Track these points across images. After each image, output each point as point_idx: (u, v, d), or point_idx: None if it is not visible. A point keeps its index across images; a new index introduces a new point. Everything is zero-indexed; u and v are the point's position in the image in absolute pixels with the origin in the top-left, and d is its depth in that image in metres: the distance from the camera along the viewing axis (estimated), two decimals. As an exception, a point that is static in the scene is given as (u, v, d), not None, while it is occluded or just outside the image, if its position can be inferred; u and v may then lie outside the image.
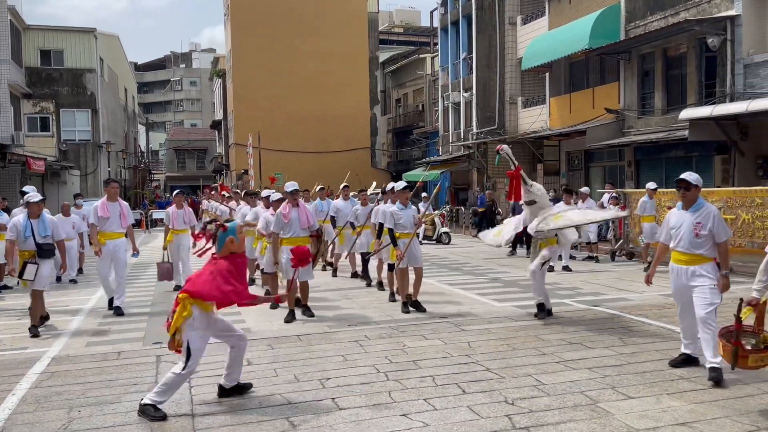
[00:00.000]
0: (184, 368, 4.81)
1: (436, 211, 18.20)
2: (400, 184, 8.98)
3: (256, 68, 39.49)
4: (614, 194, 15.38)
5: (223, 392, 5.20)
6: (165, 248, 10.82)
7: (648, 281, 6.08)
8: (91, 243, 9.83)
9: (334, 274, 12.39)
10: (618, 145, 19.29)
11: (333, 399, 5.09)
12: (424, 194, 22.95)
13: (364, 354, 6.44)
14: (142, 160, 55.52)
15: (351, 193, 12.29)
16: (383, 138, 45.63)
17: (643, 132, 18.53)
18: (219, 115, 52.87)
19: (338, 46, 40.35)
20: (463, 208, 26.80)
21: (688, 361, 5.71)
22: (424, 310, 8.55)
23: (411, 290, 8.77)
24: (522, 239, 15.53)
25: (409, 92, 42.71)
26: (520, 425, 4.45)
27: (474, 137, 27.80)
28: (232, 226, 5.02)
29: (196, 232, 8.81)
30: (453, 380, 5.50)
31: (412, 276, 8.78)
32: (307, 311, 8.44)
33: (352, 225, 11.49)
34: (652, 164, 19.09)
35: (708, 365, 5.31)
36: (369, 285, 11.05)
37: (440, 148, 33.24)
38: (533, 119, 24.48)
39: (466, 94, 29.10)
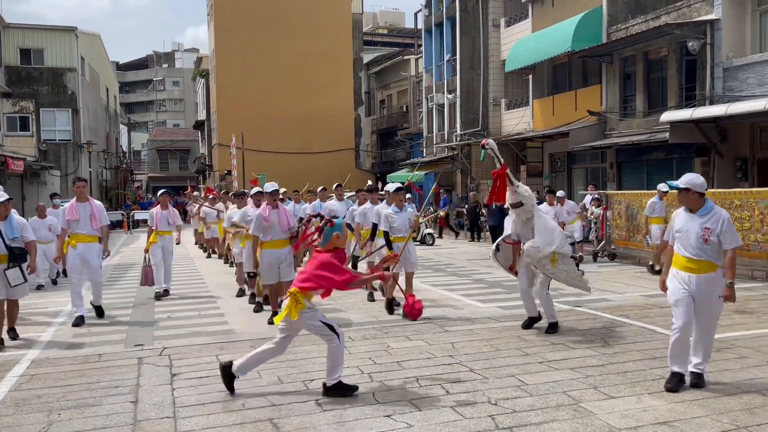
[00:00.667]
0: (336, 338, 5.15)
1: (434, 213, 17.68)
2: (392, 186, 8.67)
3: (239, 68, 39.29)
4: (596, 195, 15.53)
5: (326, 391, 5.20)
6: (147, 250, 10.37)
7: (662, 287, 5.37)
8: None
9: None
10: (600, 147, 19.48)
11: (316, 400, 5.08)
12: (408, 195, 22.95)
13: (348, 355, 6.41)
14: (124, 161, 55.00)
15: (348, 194, 12.23)
16: (367, 139, 45.63)
17: (624, 134, 18.73)
18: (202, 116, 52.53)
19: (322, 47, 40.27)
20: (425, 207, 26.91)
21: (680, 377, 5.19)
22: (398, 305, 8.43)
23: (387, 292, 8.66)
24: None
25: (393, 93, 42.75)
26: (504, 425, 4.47)
27: (458, 139, 27.90)
28: (339, 223, 5.36)
29: (294, 230, 8.24)
30: (437, 381, 5.51)
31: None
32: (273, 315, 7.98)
33: (350, 227, 10.62)
34: (634, 166, 19.30)
35: (691, 368, 5.17)
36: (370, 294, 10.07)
37: (424, 149, 33.32)
38: (516, 121, 24.63)
39: (449, 96, 29.19)
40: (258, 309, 9.06)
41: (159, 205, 10.73)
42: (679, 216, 5.32)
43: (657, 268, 11.57)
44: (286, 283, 8.07)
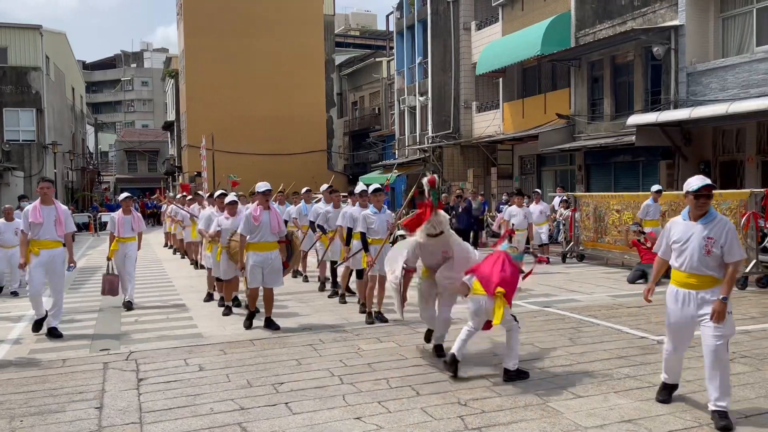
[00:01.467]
0: (517, 325, 5.60)
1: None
2: (372, 186, 8.36)
3: (209, 69, 38.87)
4: (564, 197, 15.74)
5: (508, 375, 5.47)
6: (110, 258, 9.66)
7: (646, 298, 4.97)
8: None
9: (322, 288, 11.01)
10: (569, 150, 19.75)
11: (286, 404, 5.05)
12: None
13: (319, 358, 6.40)
14: (91, 162, 53.96)
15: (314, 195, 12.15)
16: (339, 141, 45.55)
17: (592, 137, 19.02)
18: (171, 116, 51.83)
19: (293, 48, 40.06)
20: (405, 209, 26.99)
21: (671, 389, 4.94)
22: (386, 321, 8.01)
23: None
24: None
25: (365, 95, 42.76)
26: (473, 426, 4.50)
27: (430, 141, 28.03)
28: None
29: (283, 234, 7.96)
30: (407, 382, 5.52)
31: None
32: (272, 324, 7.73)
33: (322, 228, 10.44)
34: (602, 168, 19.61)
35: (712, 407, 4.43)
36: (337, 295, 9.98)
37: (396, 151, 33.39)
38: (487, 123, 24.84)
39: (421, 98, 29.31)
40: (227, 312, 8.97)
41: (121, 210, 9.92)
42: (677, 225, 4.73)
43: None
44: (268, 290, 7.80)
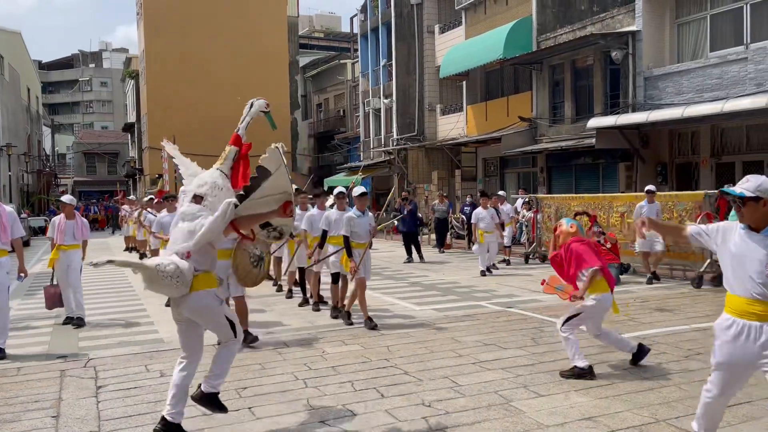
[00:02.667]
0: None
1: (390, 221, 17.02)
2: (358, 189, 8.08)
3: (170, 69, 38.26)
4: (527, 199, 15.97)
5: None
6: (51, 267, 8.65)
7: (640, 232, 4.01)
8: None
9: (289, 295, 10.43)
10: (531, 152, 20.05)
11: (250, 408, 5.00)
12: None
13: (283, 361, 6.36)
14: (48, 164, 52.57)
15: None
16: (304, 143, 45.31)
17: (554, 140, 19.35)
18: (132, 118, 50.85)
19: (256, 49, 39.71)
20: (384, 213, 27.02)
21: None
22: (351, 324, 7.96)
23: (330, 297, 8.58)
24: (411, 246, 15.78)
25: (330, 97, 42.63)
26: (437, 427, 4.53)
27: (394, 143, 28.12)
28: None
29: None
30: (372, 385, 5.52)
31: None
32: (248, 336, 6.98)
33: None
34: (563, 170, 19.96)
35: None
36: (308, 303, 9.56)
37: (361, 153, 33.39)
38: (451, 126, 25.04)
39: (386, 101, 29.38)
40: None
41: (63, 214, 8.77)
42: (734, 234, 3.56)
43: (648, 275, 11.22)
44: (239, 300, 7.12)
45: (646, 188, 11.64)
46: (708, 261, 10.65)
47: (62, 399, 5.35)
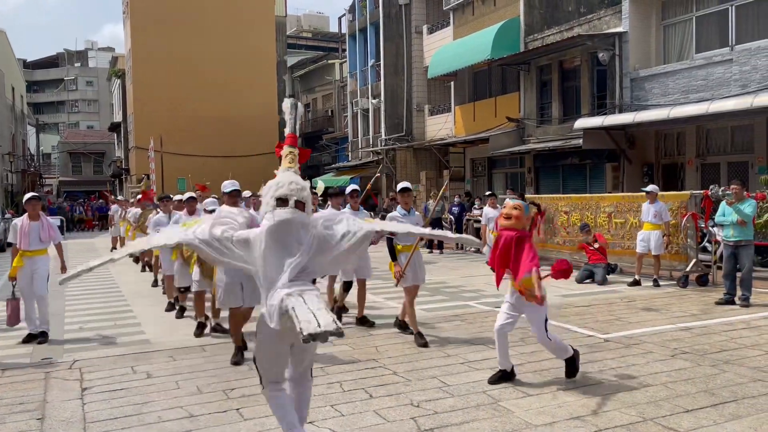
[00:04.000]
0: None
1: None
2: (401, 185, 7.25)
3: (157, 69, 37.99)
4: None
5: None
6: (12, 277, 7.60)
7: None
8: None
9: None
10: (518, 153, 20.12)
11: (237, 410, 4.97)
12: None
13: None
14: (32, 164, 52.02)
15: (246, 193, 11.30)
16: (292, 143, 45.16)
17: (541, 140, 19.44)
18: (118, 117, 50.45)
19: (244, 49, 39.53)
20: (372, 213, 27.03)
21: None
22: (425, 344, 6.85)
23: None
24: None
25: (318, 97, 42.56)
26: (425, 427, 4.52)
27: (383, 143, 28.11)
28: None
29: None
30: (360, 385, 5.51)
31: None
32: (236, 353, 6.47)
33: None
34: (550, 171, 20.05)
35: None
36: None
37: (350, 153, 33.36)
38: (439, 126, 25.08)
39: (374, 101, 29.37)
40: (179, 315, 8.82)
41: (27, 215, 7.73)
42: None
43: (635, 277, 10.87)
44: (248, 310, 6.52)
45: (650, 187, 11.08)
46: (693, 261, 10.73)
47: (47, 401, 5.29)
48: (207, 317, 7.83)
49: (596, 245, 11.83)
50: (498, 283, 5.62)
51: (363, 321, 7.99)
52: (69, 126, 71.48)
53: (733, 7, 14.77)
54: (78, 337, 7.88)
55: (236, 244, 3.70)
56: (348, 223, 3.77)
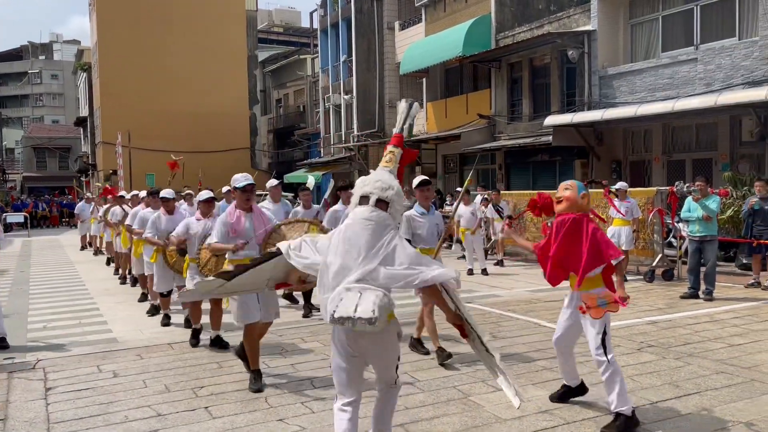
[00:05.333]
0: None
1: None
2: (419, 178, 6.42)
3: (125, 62, 37.31)
4: (485, 196, 16.09)
5: None
6: None
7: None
8: None
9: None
10: (490, 149, 20.26)
11: (206, 408, 4.91)
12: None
13: (240, 360, 6.25)
14: (-5, 159, 50.71)
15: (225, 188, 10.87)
16: (264, 138, 44.83)
17: (512, 137, 19.59)
18: (84, 112, 49.44)
19: (214, 43, 39.05)
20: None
21: None
22: (448, 357, 6.03)
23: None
24: None
25: (289, 93, 42.27)
26: (396, 423, 4.50)
27: (355, 139, 28.05)
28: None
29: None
30: (331, 382, 5.40)
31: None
32: (221, 342, 6.48)
33: None
34: (521, 168, 20.24)
35: None
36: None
37: (322, 149, 33.22)
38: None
39: (346, 97, 29.28)
40: (153, 312, 8.61)
41: None
42: None
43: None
44: (265, 326, 5.61)
45: (616, 186, 11.26)
46: (660, 256, 10.94)
47: (10, 402, 5.16)
48: (201, 327, 7.02)
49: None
50: (554, 281, 4.63)
51: (419, 343, 6.54)
52: (33, 120, 69.77)
53: (698, 7, 15.06)
54: (42, 336, 7.70)
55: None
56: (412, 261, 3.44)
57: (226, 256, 5.57)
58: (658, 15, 16.09)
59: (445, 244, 11.78)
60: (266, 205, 8.63)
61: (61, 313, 9.19)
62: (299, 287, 3.97)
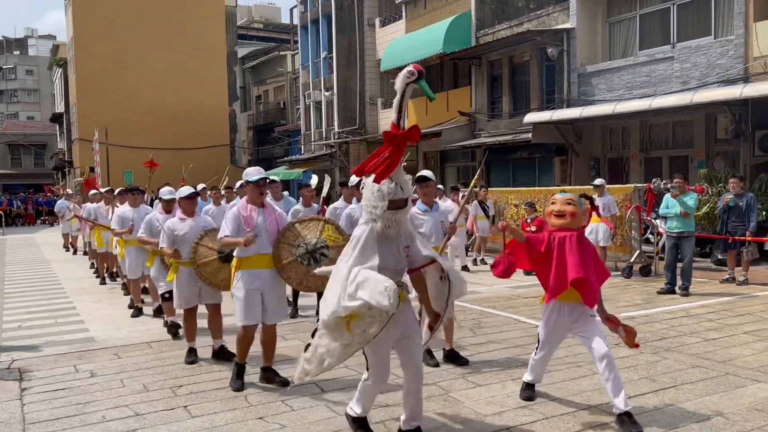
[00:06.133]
0: None
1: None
2: (422, 173, 5.99)
3: (101, 58, 36.76)
4: (466, 193, 16.13)
5: None
6: None
7: None
8: None
9: None
10: (470, 147, 20.34)
11: (185, 407, 4.87)
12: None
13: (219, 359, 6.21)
14: (-32, 156, 49.71)
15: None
16: (243, 135, 44.52)
17: (492, 134, 19.69)
18: (60, 108, 48.69)
19: (193, 39, 38.63)
20: (467, 205, 26.72)
21: None
22: (466, 362, 5.86)
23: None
24: None
25: (270, 89, 42.02)
26: (377, 419, 4.53)
27: (336, 136, 27.98)
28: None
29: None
30: (312, 379, 5.46)
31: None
32: (276, 377, 5.42)
33: None
34: (501, 165, 20.34)
35: None
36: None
37: (302, 146, 33.08)
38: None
39: (327, 93, 29.18)
40: (136, 314, 8.41)
41: None
42: None
43: None
44: (271, 328, 5.37)
45: (595, 182, 11.32)
46: (637, 252, 11.08)
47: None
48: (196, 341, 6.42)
49: (532, 228, 11.87)
50: (551, 295, 4.52)
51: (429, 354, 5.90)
52: (8, 116, 68.53)
53: (675, 5, 15.25)
54: (16, 336, 7.58)
55: None
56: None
57: (234, 253, 5.29)
58: (635, 13, 16.26)
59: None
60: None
61: (36, 313, 9.05)
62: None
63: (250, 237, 5.09)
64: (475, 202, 13.26)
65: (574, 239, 4.40)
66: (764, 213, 11.44)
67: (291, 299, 8.10)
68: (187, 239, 5.99)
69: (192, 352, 6.18)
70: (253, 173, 5.37)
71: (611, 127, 17.24)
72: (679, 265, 9.23)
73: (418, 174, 5.91)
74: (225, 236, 5.22)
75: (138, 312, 8.49)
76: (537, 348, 4.79)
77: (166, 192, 7.17)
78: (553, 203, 4.59)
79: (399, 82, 3.97)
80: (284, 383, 5.29)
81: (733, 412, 4.54)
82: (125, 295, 9.90)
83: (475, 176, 6.35)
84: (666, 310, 8.10)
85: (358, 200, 6.52)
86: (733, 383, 5.15)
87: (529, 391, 4.88)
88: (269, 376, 5.40)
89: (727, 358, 5.85)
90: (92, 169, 32.37)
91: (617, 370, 4.37)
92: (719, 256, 11.55)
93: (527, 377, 4.90)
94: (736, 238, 9.91)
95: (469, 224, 13.15)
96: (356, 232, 3.97)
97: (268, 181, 7.98)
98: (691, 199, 9.24)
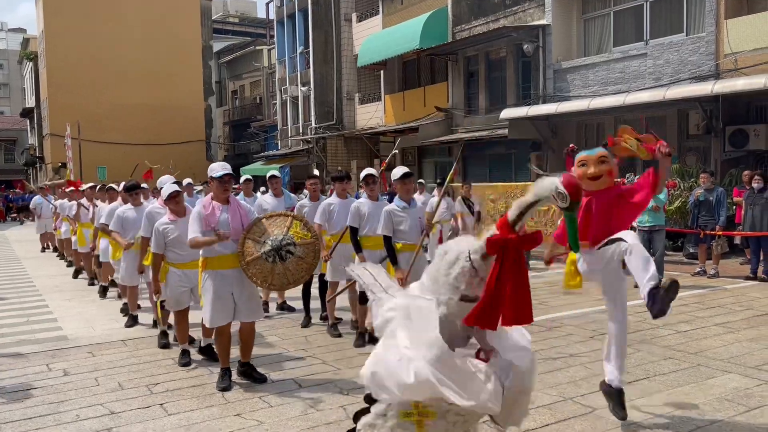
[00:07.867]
0: None
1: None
2: (399, 170, 6.02)
3: (73, 52, 36.13)
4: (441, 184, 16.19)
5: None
6: None
7: None
8: None
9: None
10: (447, 142, 20.40)
11: (161, 405, 4.83)
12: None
13: (196, 356, 6.17)
14: (-65, 152, 48.52)
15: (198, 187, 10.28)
16: (219, 130, 44.11)
17: (469, 130, 19.77)
18: (30, 102, 47.73)
19: (167, 33, 38.16)
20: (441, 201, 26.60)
21: None
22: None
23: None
24: None
25: (246, 84, 41.67)
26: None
27: (313, 132, 27.86)
28: None
29: None
30: (290, 375, 5.47)
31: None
32: (254, 373, 5.35)
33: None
34: (478, 160, 20.45)
35: None
36: (311, 324, 7.45)
37: (279, 142, 32.88)
38: (370, 115, 25.08)
39: (303, 89, 29.03)
40: (131, 324, 7.66)
41: None
42: None
43: None
44: (248, 326, 5.31)
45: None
46: (611, 246, 11.21)
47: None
48: (192, 340, 6.35)
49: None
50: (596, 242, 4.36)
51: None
52: (-24, 111, 66.98)
53: (648, 3, 15.45)
54: (-12, 335, 7.44)
55: None
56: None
57: (200, 253, 5.14)
58: (609, 10, 16.44)
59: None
60: (267, 200, 8.00)
61: (7, 311, 8.89)
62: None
63: (223, 233, 4.95)
64: (459, 198, 13.24)
65: (613, 197, 4.18)
66: (734, 207, 11.68)
67: (303, 305, 7.61)
68: (181, 241, 5.60)
69: (185, 353, 5.95)
70: (218, 169, 5.19)
71: (586, 123, 17.42)
72: (652, 258, 9.36)
73: (403, 171, 5.99)
74: (195, 237, 5.04)
75: (133, 321, 7.57)
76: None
77: (165, 181, 6.68)
78: (583, 164, 4.19)
79: (540, 193, 3.26)
80: (261, 379, 5.29)
81: (704, 402, 4.63)
82: (122, 308, 8.45)
83: (452, 170, 6.28)
84: (639, 303, 8.18)
85: (371, 198, 6.38)
86: (704, 374, 5.26)
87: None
88: (246, 371, 5.36)
89: (699, 349, 5.97)
90: (64, 165, 31.85)
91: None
92: (691, 250, 11.77)
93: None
94: (707, 232, 10.10)
95: (455, 221, 13.05)
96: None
97: (268, 176, 8.15)
98: (662, 194, 9.40)
